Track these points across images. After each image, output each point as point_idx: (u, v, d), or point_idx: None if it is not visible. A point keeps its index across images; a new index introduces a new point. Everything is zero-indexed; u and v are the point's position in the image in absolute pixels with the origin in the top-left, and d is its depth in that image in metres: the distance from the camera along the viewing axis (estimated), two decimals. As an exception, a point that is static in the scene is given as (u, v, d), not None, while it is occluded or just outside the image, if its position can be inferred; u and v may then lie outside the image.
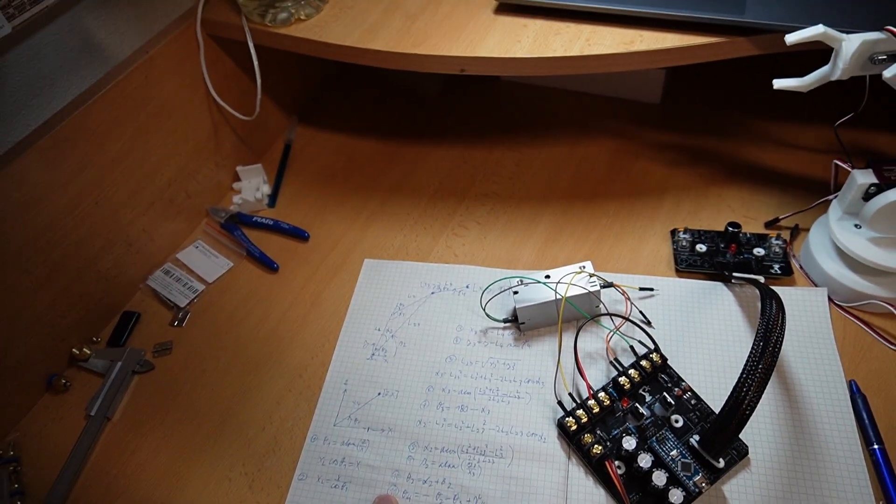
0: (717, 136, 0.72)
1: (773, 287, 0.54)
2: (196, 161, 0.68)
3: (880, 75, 0.46)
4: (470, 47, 0.55)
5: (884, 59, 0.46)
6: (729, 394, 0.42)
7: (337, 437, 0.53)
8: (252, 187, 0.72)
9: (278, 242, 0.68)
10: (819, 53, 0.49)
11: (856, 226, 0.54)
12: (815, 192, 0.61)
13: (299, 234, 0.68)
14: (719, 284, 0.58)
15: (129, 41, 0.59)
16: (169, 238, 0.67)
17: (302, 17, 0.61)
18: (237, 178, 0.73)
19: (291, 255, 0.67)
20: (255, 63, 0.62)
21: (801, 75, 0.50)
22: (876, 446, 0.47)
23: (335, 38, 0.58)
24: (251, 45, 0.62)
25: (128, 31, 0.58)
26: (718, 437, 0.42)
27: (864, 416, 0.48)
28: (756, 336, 0.42)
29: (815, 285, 0.57)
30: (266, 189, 0.72)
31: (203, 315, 0.63)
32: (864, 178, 0.52)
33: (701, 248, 0.60)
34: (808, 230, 0.60)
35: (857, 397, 0.49)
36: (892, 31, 0.44)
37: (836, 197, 0.56)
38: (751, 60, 0.56)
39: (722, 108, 0.75)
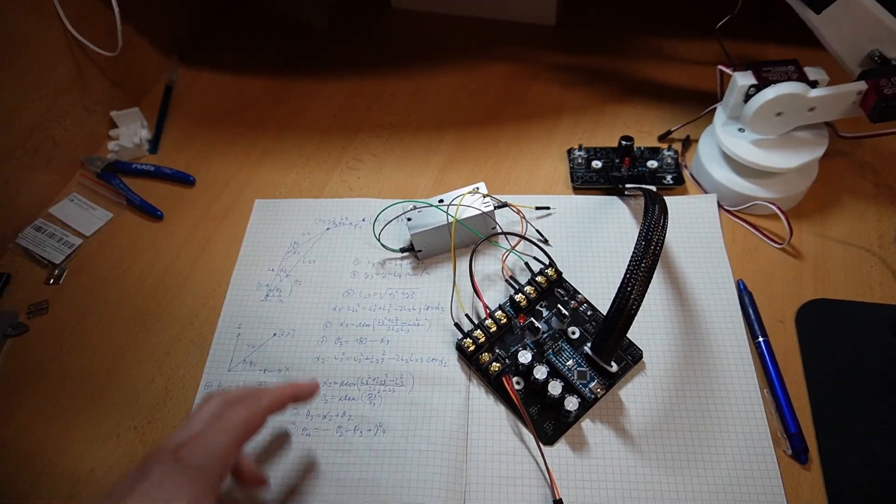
0: (611, 55, 0.72)
1: (664, 196, 0.54)
2: (60, 106, 0.62)
3: (752, -30, 0.46)
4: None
5: (753, -48, 0.45)
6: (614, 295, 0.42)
7: (232, 381, 0.50)
8: (130, 133, 0.67)
9: (162, 189, 0.64)
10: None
11: (739, 129, 0.54)
12: (705, 102, 0.61)
13: (184, 179, 0.64)
14: (614, 198, 0.58)
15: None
16: (39, 191, 0.62)
17: (159, -62, 0.56)
18: (114, 125, 0.68)
19: (177, 201, 0.63)
20: (111, -10, 0.57)
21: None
22: (761, 339, 0.48)
23: (194, -43, 0.53)
24: (104, -31, 0.56)
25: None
26: (607, 340, 0.43)
27: (751, 311, 0.50)
28: (638, 237, 0.42)
29: (706, 192, 0.58)
30: (145, 134, 0.67)
31: (82, 271, 0.58)
32: (744, 80, 0.52)
33: (596, 164, 0.60)
34: (697, 140, 0.60)
35: (744, 295, 0.51)
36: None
37: (721, 103, 0.56)
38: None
39: (616, 27, 0.75)
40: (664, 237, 0.43)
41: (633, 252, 0.41)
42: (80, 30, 0.60)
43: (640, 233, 0.43)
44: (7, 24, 0.55)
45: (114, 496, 0.34)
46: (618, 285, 0.52)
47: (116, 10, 0.58)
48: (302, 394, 0.43)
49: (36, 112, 0.59)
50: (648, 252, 0.41)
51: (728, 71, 0.55)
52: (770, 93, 0.49)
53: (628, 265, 0.41)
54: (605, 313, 0.50)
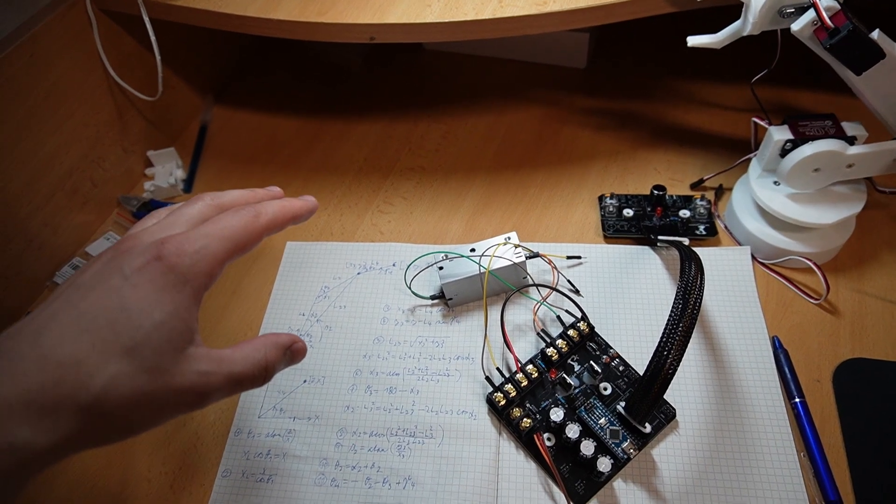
0: (642, 99, 0.72)
1: (697, 248, 0.54)
2: (100, 147, 0.63)
3: (790, 29, 0.46)
4: (378, 14, 0.52)
5: (792, 13, 0.45)
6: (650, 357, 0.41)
7: (262, 429, 0.51)
8: (165, 172, 0.68)
9: (195, 229, 0.65)
10: (733, 9, 0.49)
11: (775, 183, 0.54)
12: (738, 150, 0.61)
13: (217, 220, 0.64)
14: (646, 248, 0.57)
15: (5, 20, 0.54)
16: (76, 231, 0.63)
17: (201, -12, 0.57)
18: (149, 164, 0.69)
19: (210, 242, 0.63)
20: (153, 38, 0.58)
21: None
22: (797, 400, 0.47)
23: (235, 9, 0.55)
24: (146, 19, 0.57)
25: (3, 10, 0.53)
26: (642, 402, 0.42)
27: (787, 370, 0.49)
28: (675, 298, 0.42)
29: (739, 244, 0.57)
30: (180, 174, 0.68)
31: (116, 310, 0.59)
32: (780, 134, 0.52)
33: (628, 212, 0.60)
34: (731, 189, 0.60)
35: (780, 353, 0.50)
36: (799, -17, 0.44)
37: (755, 155, 0.56)
38: (674, 21, 0.55)
39: (647, 71, 0.75)
40: (702, 298, 0.42)
41: (671, 313, 0.41)
42: (121, 75, 0.61)
43: (676, 293, 0.42)
44: (54, 72, 0.56)
45: (74, 288, 0.27)
46: (650, 339, 0.52)
47: (158, 57, 0.59)
48: (301, 214, 0.38)
49: (77, 154, 0.61)
50: (686, 314, 0.41)
51: (763, 124, 0.55)
52: (808, 150, 0.49)
53: (665, 327, 0.41)
54: (637, 369, 0.50)
